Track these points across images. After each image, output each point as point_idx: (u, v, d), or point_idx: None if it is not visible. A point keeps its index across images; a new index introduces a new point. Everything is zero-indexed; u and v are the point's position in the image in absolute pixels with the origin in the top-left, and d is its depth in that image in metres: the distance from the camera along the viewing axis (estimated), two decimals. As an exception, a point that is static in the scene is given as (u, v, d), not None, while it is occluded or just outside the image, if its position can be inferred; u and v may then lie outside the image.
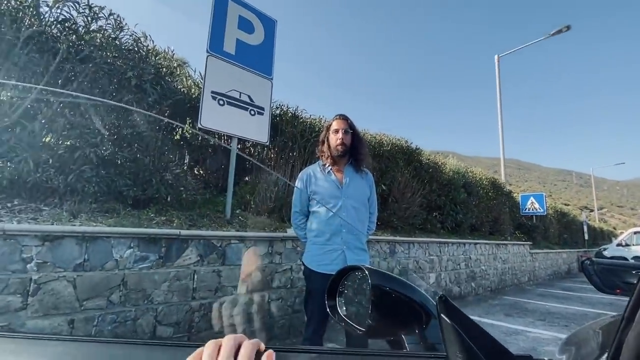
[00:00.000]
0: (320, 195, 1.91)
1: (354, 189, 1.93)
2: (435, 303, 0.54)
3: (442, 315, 0.40)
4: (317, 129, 4.69)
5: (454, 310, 0.40)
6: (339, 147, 1.91)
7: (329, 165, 1.95)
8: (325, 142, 1.98)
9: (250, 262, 3.00)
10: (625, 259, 11.43)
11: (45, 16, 2.63)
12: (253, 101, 3.59)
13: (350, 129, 1.96)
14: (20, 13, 2.52)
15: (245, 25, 3.62)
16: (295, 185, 2.04)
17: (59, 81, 2.65)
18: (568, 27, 10.33)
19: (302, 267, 1.98)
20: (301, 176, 2.01)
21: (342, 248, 1.83)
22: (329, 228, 1.86)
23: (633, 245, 12.37)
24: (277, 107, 4.58)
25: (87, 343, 0.51)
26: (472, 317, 0.41)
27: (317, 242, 1.89)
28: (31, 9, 2.55)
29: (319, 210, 1.91)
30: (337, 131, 1.93)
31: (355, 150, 1.96)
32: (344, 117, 1.97)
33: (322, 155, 2.00)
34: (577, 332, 0.90)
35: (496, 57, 11.91)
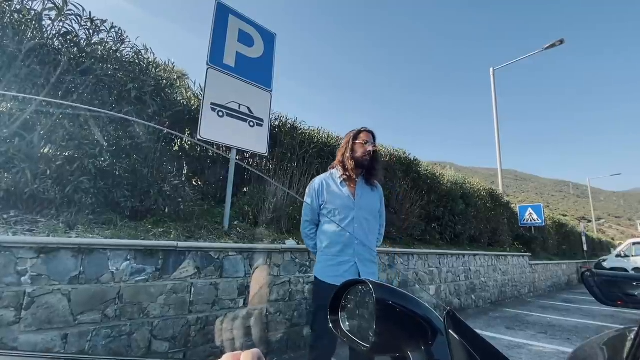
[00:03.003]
0: (333, 205, 1.90)
1: (366, 201, 1.95)
2: (440, 317, 0.53)
3: (449, 331, 0.39)
4: (315, 140, 4.71)
5: (462, 326, 0.39)
6: (366, 158, 1.94)
7: (342, 176, 1.96)
8: (348, 152, 1.96)
9: (259, 279, 2.97)
10: (625, 270, 11.39)
11: (48, 29, 2.66)
12: (252, 113, 3.61)
13: (374, 143, 2.01)
14: (23, 26, 2.55)
15: (245, 39, 3.67)
16: (306, 193, 2.03)
17: (60, 93, 2.66)
18: (562, 41, 10.55)
19: (313, 279, 1.96)
20: (313, 185, 2.01)
21: (354, 260, 1.83)
22: (342, 239, 1.85)
23: (632, 256, 12.35)
24: (276, 119, 4.61)
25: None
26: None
27: (328, 253, 1.88)
28: (34, 22, 2.57)
29: (332, 221, 1.91)
30: (366, 142, 1.96)
31: (372, 165, 1.99)
32: (371, 132, 2.02)
33: (338, 165, 2.00)
34: (582, 347, 0.88)
35: (491, 70, 12.12)
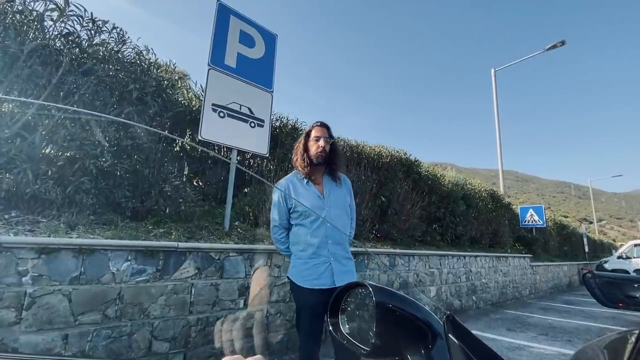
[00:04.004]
0: (303, 207, 1.82)
1: (335, 198, 1.89)
2: (440, 321, 0.53)
3: (449, 335, 0.39)
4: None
5: (462, 330, 0.39)
6: (320, 155, 1.85)
7: (305, 176, 1.88)
8: (303, 150, 1.90)
9: (259, 280, 2.97)
10: (627, 271, 11.35)
11: (49, 30, 2.67)
12: (253, 113, 3.61)
13: (330, 137, 1.91)
14: (25, 27, 2.55)
15: (246, 40, 3.68)
16: (273, 197, 1.95)
17: (61, 93, 2.66)
18: (563, 42, 10.54)
19: (289, 283, 1.90)
20: (279, 187, 1.94)
21: (329, 260, 1.78)
22: (314, 240, 1.79)
23: (634, 257, 12.30)
24: (277, 120, 4.62)
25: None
26: (474, 332, 0.39)
27: (302, 257, 1.82)
28: (35, 23, 2.58)
29: (302, 223, 1.84)
30: (318, 139, 1.87)
31: (332, 160, 1.90)
32: (324, 125, 1.92)
33: (298, 165, 1.92)
34: (584, 349, 0.88)
35: (492, 70, 12.12)
